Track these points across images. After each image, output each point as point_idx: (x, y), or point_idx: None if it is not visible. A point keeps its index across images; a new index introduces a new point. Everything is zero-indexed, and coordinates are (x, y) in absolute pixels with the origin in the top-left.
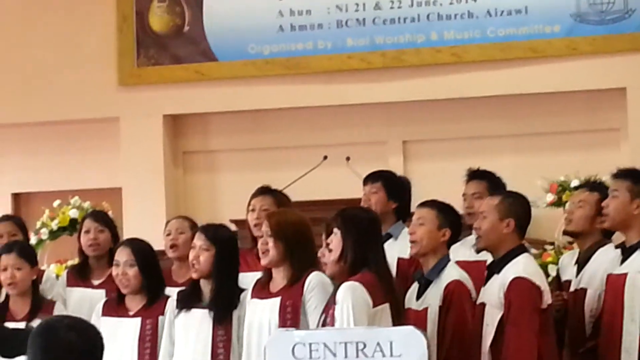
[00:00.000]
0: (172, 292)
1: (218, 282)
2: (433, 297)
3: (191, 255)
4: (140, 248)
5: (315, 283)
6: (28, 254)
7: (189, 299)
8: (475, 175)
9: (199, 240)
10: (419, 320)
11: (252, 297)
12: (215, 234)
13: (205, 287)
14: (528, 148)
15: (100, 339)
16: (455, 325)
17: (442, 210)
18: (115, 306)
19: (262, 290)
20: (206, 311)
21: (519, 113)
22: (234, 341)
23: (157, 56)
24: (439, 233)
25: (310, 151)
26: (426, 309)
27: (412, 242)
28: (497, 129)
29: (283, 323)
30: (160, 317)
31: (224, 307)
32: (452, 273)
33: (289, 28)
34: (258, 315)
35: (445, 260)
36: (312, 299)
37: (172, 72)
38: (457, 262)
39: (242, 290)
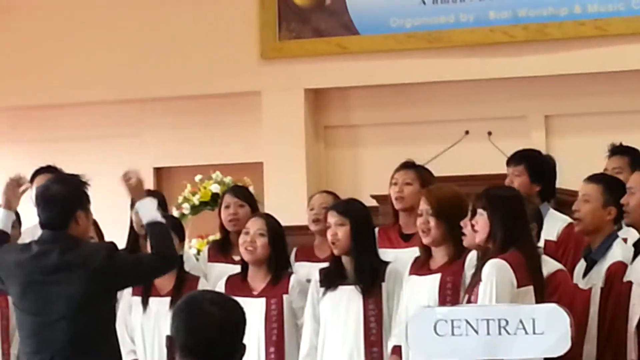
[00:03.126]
0: (313, 267)
1: (359, 255)
2: (597, 278)
3: (329, 235)
4: (272, 222)
5: (475, 261)
6: (178, 228)
7: (333, 277)
8: (617, 150)
9: (332, 218)
10: (584, 299)
11: (411, 273)
12: (347, 208)
13: (348, 263)
14: None
15: (243, 314)
16: (615, 309)
17: (609, 186)
18: (238, 285)
19: (421, 267)
20: (353, 287)
21: None
22: (385, 313)
23: (298, 29)
24: (604, 212)
25: (451, 126)
26: (590, 289)
27: (576, 219)
28: None
29: (443, 300)
30: (284, 296)
31: (371, 279)
32: (616, 253)
33: (431, 1)
34: (417, 292)
35: (611, 239)
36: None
37: (313, 46)
38: None
39: (387, 263)
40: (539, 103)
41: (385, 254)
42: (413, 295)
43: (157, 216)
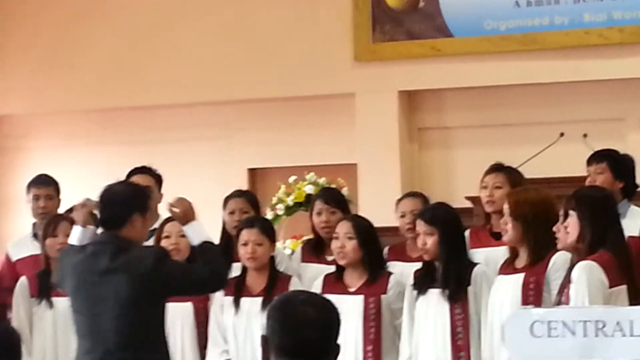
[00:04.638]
0: (406, 267)
1: (447, 261)
2: None
3: (419, 243)
4: (360, 223)
5: (561, 263)
6: (269, 231)
7: (424, 281)
8: None
9: (420, 227)
10: None
11: (499, 273)
12: (434, 216)
13: (439, 267)
14: None
15: (337, 314)
16: None
17: None
18: (334, 282)
19: (507, 267)
20: (442, 291)
21: None
22: (472, 318)
23: (392, 32)
24: None
25: (546, 128)
26: None
27: None
28: None
29: (525, 299)
30: (383, 296)
31: (456, 285)
32: None
33: (525, 4)
34: (501, 291)
35: None
36: (557, 279)
37: (407, 48)
38: None
39: (474, 264)
40: (636, 105)
41: (476, 254)
42: (498, 293)
43: (208, 237)
